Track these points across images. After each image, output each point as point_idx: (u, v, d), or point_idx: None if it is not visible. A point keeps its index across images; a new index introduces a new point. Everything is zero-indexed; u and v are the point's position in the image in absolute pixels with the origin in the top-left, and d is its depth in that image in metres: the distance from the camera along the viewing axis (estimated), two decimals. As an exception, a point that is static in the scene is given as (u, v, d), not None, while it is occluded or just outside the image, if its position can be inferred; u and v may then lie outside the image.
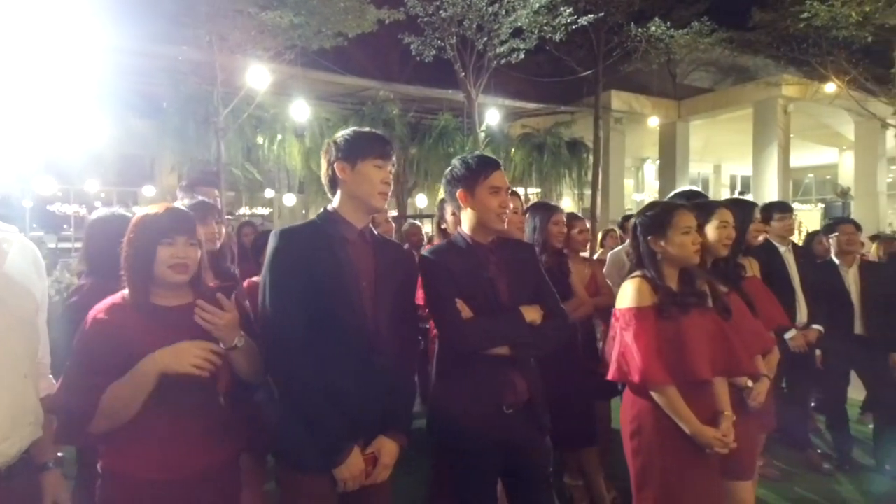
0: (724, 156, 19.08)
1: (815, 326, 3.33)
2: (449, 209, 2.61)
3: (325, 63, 11.73)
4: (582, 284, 2.99)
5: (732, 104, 14.47)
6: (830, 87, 11.54)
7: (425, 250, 1.98)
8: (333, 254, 1.57)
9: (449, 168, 1.92)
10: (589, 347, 3.02)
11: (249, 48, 9.33)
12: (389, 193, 1.65)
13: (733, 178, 20.67)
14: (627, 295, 1.95)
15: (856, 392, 3.92)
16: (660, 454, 1.89)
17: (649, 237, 1.97)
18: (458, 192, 1.86)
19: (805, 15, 9.85)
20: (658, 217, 1.96)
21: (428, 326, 2.58)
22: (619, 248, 4.02)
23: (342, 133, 1.66)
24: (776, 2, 11.10)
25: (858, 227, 3.79)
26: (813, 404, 4.09)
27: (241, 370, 1.53)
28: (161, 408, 1.40)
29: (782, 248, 3.41)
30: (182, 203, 2.22)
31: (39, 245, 8.30)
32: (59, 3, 6.37)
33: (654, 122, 14.81)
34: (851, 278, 3.64)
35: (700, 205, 2.19)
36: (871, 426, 3.88)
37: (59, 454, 1.56)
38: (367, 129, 1.70)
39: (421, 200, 13.36)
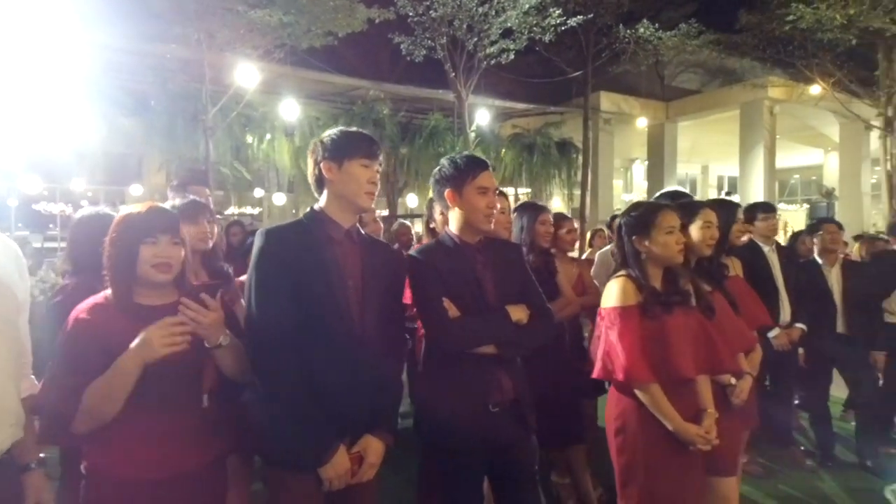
0: (711, 156, 19.26)
1: (799, 325, 3.38)
2: (438, 209, 2.61)
3: (314, 62, 11.70)
4: (569, 284, 3.01)
5: (719, 106, 14.63)
6: (815, 89, 11.70)
7: (413, 250, 1.98)
8: (320, 253, 1.57)
9: (437, 167, 1.93)
10: (576, 346, 3.04)
11: (238, 46, 9.29)
12: (376, 193, 1.66)
13: (720, 179, 20.87)
14: (612, 294, 1.98)
15: (838, 390, 3.97)
16: (644, 451, 1.91)
17: (634, 237, 1.99)
18: (446, 192, 1.87)
19: (790, 17, 9.97)
20: (642, 217, 1.99)
21: (416, 326, 2.59)
22: (608, 247, 4.05)
23: (329, 133, 1.66)
24: (762, 4, 11.23)
25: (841, 227, 3.85)
26: (797, 402, 4.15)
27: (227, 369, 1.52)
28: (145, 407, 1.39)
29: (766, 248, 3.45)
30: (173, 203, 2.22)
31: (24, 245, 8.21)
32: (46, 1, 6.29)
33: (642, 123, 14.94)
34: (834, 278, 3.69)
35: (684, 205, 2.21)
36: (853, 423, 3.95)
37: (42, 455, 1.55)
38: (354, 128, 1.70)
39: (411, 200, 13.36)
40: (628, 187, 18.87)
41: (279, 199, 13.10)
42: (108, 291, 1.45)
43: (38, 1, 6.21)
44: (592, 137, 13.56)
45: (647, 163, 16.92)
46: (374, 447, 1.59)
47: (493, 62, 11.21)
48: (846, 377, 3.80)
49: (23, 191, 9.88)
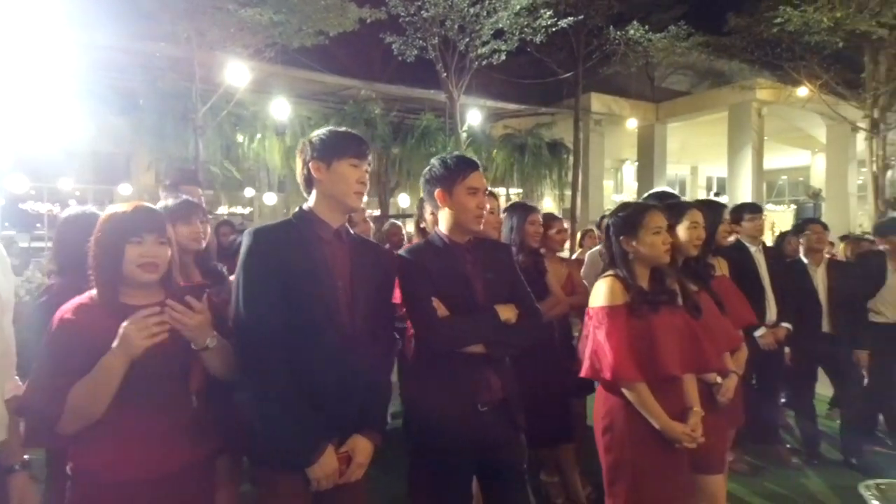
0: (700, 157, 19.42)
1: (784, 324, 3.42)
2: (428, 208, 2.62)
3: (306, 61, 11.67)
4: (558, 284, 3.03)
5: (708, 107, 14.77)
6: (803, 91, 11.85)
7: (402, 250, 1.99)
8: (308, 253, 1.56)
9: (428, 167, 1.93)
10: (565, 345, 3.06)
11: (228, 45, 9.24)
12: (365, 193, 1.65)
13: (709, 180, 21.05)
14: (600, 294, 1.99)
15: (824, 388, 4.02)
16: (631, 449, 1.93)
17: (621, 237, 2.00)
18: (437, 192, 1.87)
19: (778, 20, 10.08)
20: (629, 218, 2.00)
21: (405, 326, 2.60)
22: (597, 247, 4.07)
23: (317, 132, 1.65)
24: (751, 7, 11.35)
25: (826, 228, 3.90)
26: (783, 400, 4.19)
27: (215, 370, 1.52)
28: (131, 407, 1.38)
29: (753, 248, 3.49)
30: (166, 203, 2.21)
31: (11, 244, 8.11)
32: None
33: (632, 124, 15.04)
34: (819, 277, 3.73)
35: (671, 206, 2.23)
36: (838, 421, 3.98)
37: (27, 457, 1.54)
38: (343, 128, 1.70)
39: (403, 200, 13.36)
40: (619, 188, 18.98)
41: (270, 198, 13.04)
42: (94, 292, 1.44)
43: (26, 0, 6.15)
44: (583, 138, 13.66)
45: (637, 163, 17.03)
46: (362, 447, 1.59)
47: (484, 63, 11.24)
48: (831, 376, 3.86)
49: (9, 190, 9.76)
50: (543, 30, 10.95)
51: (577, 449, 2.96)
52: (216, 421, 1.60)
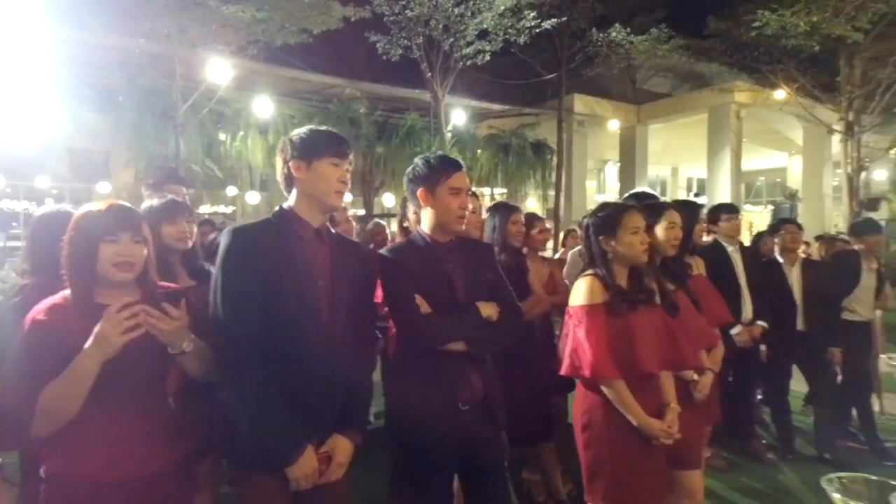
0: (680, 159, 19.69)
1: (760, 322, 3.48)
2: (411, 208, 2.62)
3: (289, 59, 11.58)
4: (540, 283, 3.06)
5: (689, 109, 14.98)
6: (780, 94, 12.08)
7: (384, 249, 1.99)
8: (288, 252, 1.55)
9: (411, 167, 1.92)
10: (547, 344, 3.09)
11: (210, 42, 9.13)
12: (346, 192, 1.65)
13: (690, 181, 21.36)
14: (580, 293, 2.01)
15: (799, 385, 4.11)
16: (609, 446, 1.95)
17: (600, 237, 2.03)
18: (419, 192, 1.87)
19: (757, 24, 10.27)
20: (608, 218, 2.03)
21: (387, 325, 2.60)
22: (579, 247, 4.11)
23: (298, 131, 1.64)
24: (730, 11, 11.54)
25: (800, 228, 3.99)
26: (759, 397, 4.27)
27: (193, 372, 1.51)
28: (107, 409, 1.37)
29: (730, 248, 3.55)
30: (151, 202, 2.19)
31: (-16, 243, 7.92)
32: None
33: (614, 125, 15.20)
34: (794, 276, 3.81)
35: (649, 206, 2.27)
36: (812, 418, 4.08)
37: (0, 460, 1.51)
38: (323, 127, 1.69)
39: (388, 200, 13.33)
40: (601, 188, 19.17)
41: (252, 197, 12.91)
42: (67, 292, 1.42)
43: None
44: (566, 139, 13.78)
45: (619, 164, 17.21)
46: (342, 447, 1.59)
47: (468, 63, 11.28)
48: (805, 373, 3.93)
49: (-17, 188, 9.53)
50: (527, 31, 11.02)
51: (558, 447, 2.98)
52: (194, 423, 1.59)
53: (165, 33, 8.58)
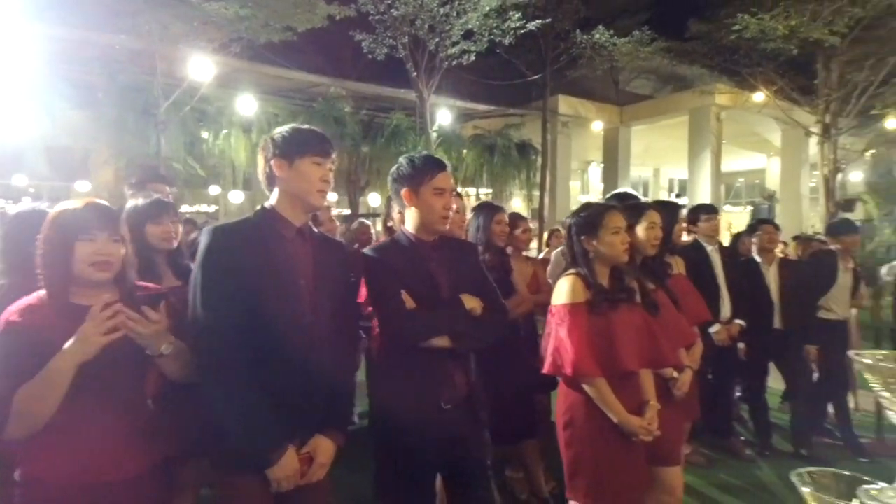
0: (662, 160, 19.91)
1: (738, 321, 3.56)
2: (395, 207, 2.62)
3: (273, 57, 11.48)
4: (524, 282, 3.09)
5: (670, 111, 15.15)
6: (759, 97, 12.28)
7: (367, 248, 1.99)
8: (269, 252, 1.54)
9: (395, 166, 1.93)
10: (531, 343, 3.11)
11: (192, 39, 9.02)
12: (329, 191, 1.63)
13: (671, 182, 21.63)
14: (562, 292, 2.04)
15: (777, 382, 4.19)
16: (590, 444, 1.98)
17: (582, 237, 2.06)
18: (403, 191, 1.87)
19: (737, 27, 10.43)
20: (590, 218, 2.06)
21: (371, 325, 2.60)
22: (563, 247, 4.15)
23: (280, 129, 1.63)
24: (711, 14, 11.71)
25: (778, 228, 4.07)
26: (738, 394, 4.35)
27: (172, 374, 1.49)
28: (83, 410, 1.35)
29: (709, 248, 3.62)
30: (136, 202, 2.17)
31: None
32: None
33: (598, 126, 15.33)
34: (772, 276, 3.89)
35: (630, 206, 2.31)
36: (789, 414, 4.17)
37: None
38: (306, 125, 1.67)
39: (374, 199, 13.27)
40: (585, 189, 19.31)
41: (236, 196, 12.76)
42: (43, 292, 1.39)
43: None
44: (551, 140, 13.87)
45: (602, 165, 17.36)
46: (324, 447, 1.58)
47: (454, 63, 11.28)
48: (782, 370, 4.02)
49: (-42, 186, 9.29)
50: (512, 32, 11.05)
51: (542, 445, 3.00)
52: (174, 425, 1.57)
53: (147, 30, 8.44)
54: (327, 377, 1.60)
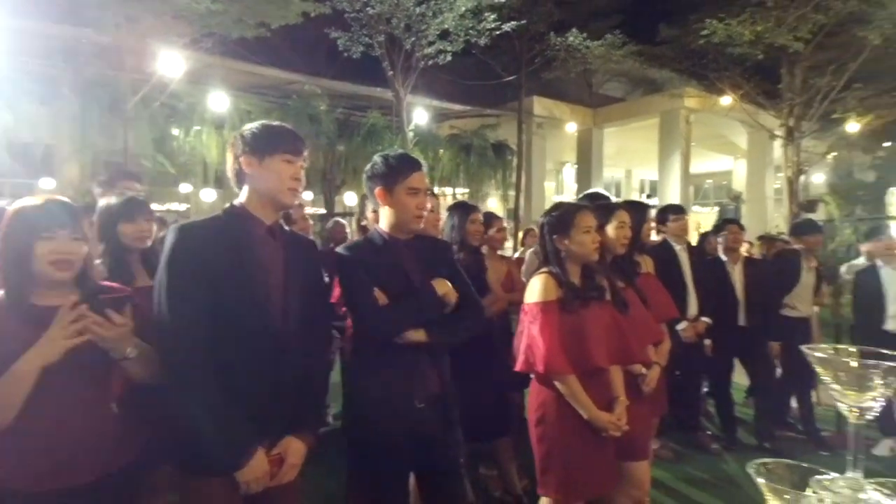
0: (634, 161, 20.27)
1: (704, 318, 3.65)
2: (370, 206, 2.62)
3: (246, 53, 11.30)
4: (498, 281, 3.12)
5: (642, 113, 15.45)
6: (726, 100, 12.60)
7: (341, 247, 1.98)
8: (238, 251, 1.51)
9: (370, 164, 1.91)
10: (505, 341, 3.14)
11: (162, 33, 8.80)
12: (301, 190, 1.61)
13: (643, 183, 22.04)
14: (535, 290, 2.07)
15: (742, 377, 4.31)
16: (561, 440, 2.02)
17: (554, 236, 2.10)
18: (377, 190, 1.86)
19: (705, 32, 10.67)
20: (562, 217, 2.10)
21: (345, 325, 2.59)
22: (537, 246, 4.20)
23: (250, 126, 1.60)
24: (681, 19, 11.96)
25: (742, 228, 4.19)
26: (705, 390, 4.47)
27: (137, 376, 1.46)
28: (45, 414, 1.31)
29: (678, 247, 3.70)
30: (109, 200, 2.11)
31: None
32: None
33: (571, 128, 15.53)
34: (737, 274, 4.00)
35: (601, 206, 2.35)
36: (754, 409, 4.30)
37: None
38: (276, 122, 1.64)
39: (349, 198, 13.17)
40: (560, 189, 19.52)
41: (208, 195, 12.53)
42: (1, 292, 1.35)
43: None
44: (526, 140, 14.00)
45: (576, 166, 17.59)
46: (294, 448, 1.56)
47: (430, 63, 11.28)
48: (746, 366, 4.13)
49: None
50: (488, 32, 11.11)
51: (515, 442, 3.03)
52: (140, 428, 1.54)
53: (114, 23, 8.22)
54: (298, 377, 1.58)
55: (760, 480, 0.90)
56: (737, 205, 16.56)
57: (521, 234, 6.45)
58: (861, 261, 4.62)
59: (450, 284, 1.86)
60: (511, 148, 14.39)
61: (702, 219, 14.14)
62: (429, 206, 2.05)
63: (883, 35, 9.64)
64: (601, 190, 2.85)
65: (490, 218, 3.30)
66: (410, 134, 12.03)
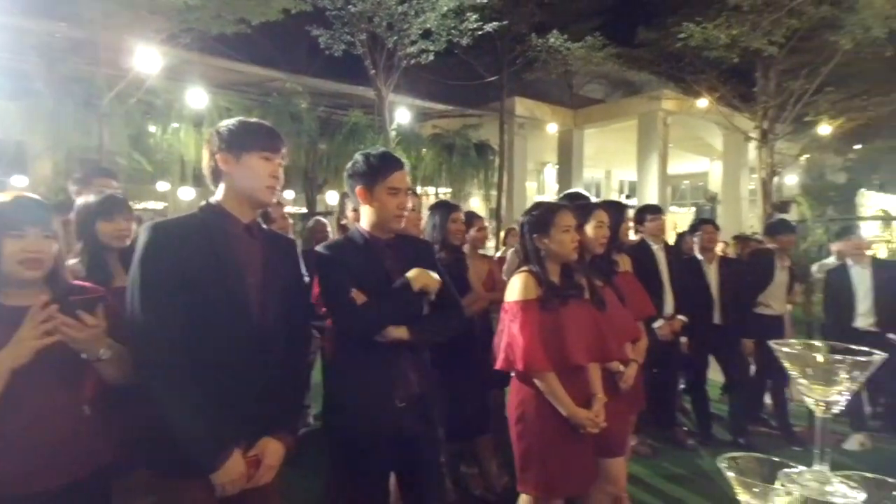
0: (613, 162, 20.49)
1: (680, 317, 3.71)
2: (350, 205, 2.61)
3: (225, 50, 11.14)
4: (479, 280, 3.13)
5: (621, 115, 15.62)
6: (703, 103, 12.81)
7: (320, 245, 1.97)
8: (214, 249, 1.48)
9: (352, 162, 1.90)
10: (485, 340, 3.15)
11: (139, 29, 8.63)
12: (279, 188, 1.59)
13: (622, 183, 22.32)
14: (514, 289, 2.09)
15: (717, 374, 4.39)
16: (541, 437, 2.04)
17: (534, 235, 2.12)
18: (358, 189, 1.86)
19: (682, 35, 10.85)
20: (542, 217, 2.12)
21: (326, 324, 2.58)
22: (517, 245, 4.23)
23: (226, 122, 1.57)
24: (659, 22, 12.14)
25: (717, 228, 4.27)
26: (682, 386, 4.54)
27: (110, 377, 1.44)
28: (15, 417, 1.28)
29: (655, 247, 3.76)
30: (87, 198, 2.07)
31: None
32: None
33: (552, 128, 15.64)
34: (712, 273, 4.08)
35: (580, 206, 2.38)
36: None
37: None
38: (254, 119, 1.62)
39: (331, 197, 13.08)
40: (541, 189, 19.66)
41: (186, 193, 12.31)
42: None
43: None
44: (508, 141, 14.07)
45: (557, 167, 17.73)
46: (272, 449, 1.54)
47: (412, 62, 11.26)
48: (721, 363, 4.20)
49: None
50: (470, 33, 11.13)
51: (495, 441, 3.05)
52: (113, 431, 1.51)
53: (88, 18, 8.03)
54: (276, 378, 1.57)
55: (731, 474, 0.92)
56: (712, 205, 16.86)
57: (502, 234, 6.47)
58: (832, 260, 4.75)
59: (429, 273, 1.84)
60: (493, 148, 14.44)
61: (679, 219, 14.35)
62: (410, 205, 2.05)
63: (854, 40, 9.89)
64: (581, 190, 2.88)
65: (471, 217, 3.32)
66: (393, 133, 11.99)
